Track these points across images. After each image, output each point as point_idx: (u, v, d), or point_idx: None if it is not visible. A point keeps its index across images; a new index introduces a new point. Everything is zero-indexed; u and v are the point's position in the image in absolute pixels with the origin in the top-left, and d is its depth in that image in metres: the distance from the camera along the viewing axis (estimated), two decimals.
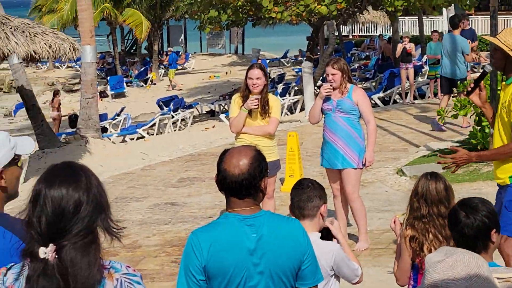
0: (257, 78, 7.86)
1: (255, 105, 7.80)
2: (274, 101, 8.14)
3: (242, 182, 3.39)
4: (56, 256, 2.52)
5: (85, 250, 2.53)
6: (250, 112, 7.93)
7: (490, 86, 10.62)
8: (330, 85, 7.91)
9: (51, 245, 2.51)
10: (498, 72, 9.09)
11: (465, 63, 14.96)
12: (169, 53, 39.30)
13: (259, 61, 37.33)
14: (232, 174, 3.40)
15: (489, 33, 11.86)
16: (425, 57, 24.37)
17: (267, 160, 8.13)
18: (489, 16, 11.56)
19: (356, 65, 32.89)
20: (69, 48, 14.11)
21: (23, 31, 13.35)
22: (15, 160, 3.24)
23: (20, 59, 16.37)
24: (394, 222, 4.88)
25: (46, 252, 2.51)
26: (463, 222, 3.72)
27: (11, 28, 13.26)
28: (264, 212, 3.47)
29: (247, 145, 3.64)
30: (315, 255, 3.54)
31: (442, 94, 15.39)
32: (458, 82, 14.49)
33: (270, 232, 3.41)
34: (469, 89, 5.79)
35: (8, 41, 12.96)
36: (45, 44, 13.45)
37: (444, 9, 28.53)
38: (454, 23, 15.36)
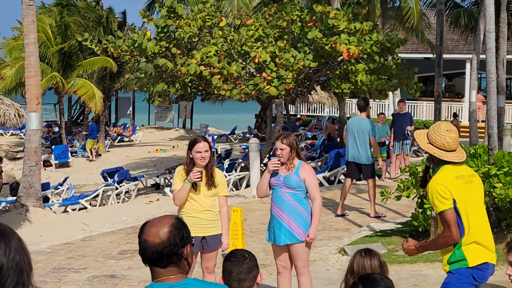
0: (205, 151, 7.91)
1: (198, 178, 7.82)
2: (221, 176, 8.17)
3: (163, 251, 3.38)
4: None
5: None
6: (194, 185, 7.94)
7: None
8: (278, 160, 7.98)
9: None
10: None
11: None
12: (89, 123, 39.54)
13: (207, 136, 37.45)
14: (152, 243, 3.39)
15: (433, 118, 12.14)
16: None
17: (210, 233, 8.19)
18: (433, 102, 11.85)
19: (303, 145, 33.20)
20: (14, 115, 14.01)
21: None
22: None
23: None
24: None
25: None
26: None
27: None
28: (191, 280, 3.46)
29: (167, 215, 3.64)
30: None
31: (349, 178, 15.13)
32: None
33: None
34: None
35: None
36: None
37: (390, 93, 29.11)
38: (361, 106, 15.11)
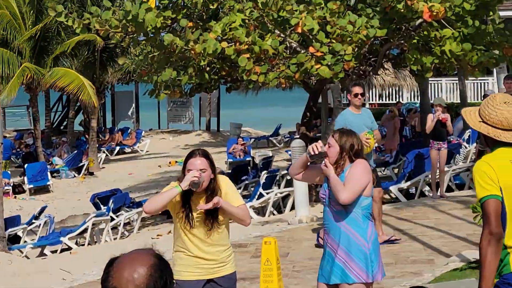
0: (201, 170, 7.78)
1: (195, 178, 7.64)
2: (226, 184, 8.05)
3: None
4: None
5: None
6: (190, 197, 7.84)
7: None
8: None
9: None
10: None
11: None
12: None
13: (240, 140, 37.58)
14: None
15: None
16: (466, 133, 24.61)
17: (220, 274, 8.24)
18: None
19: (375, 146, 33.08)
20: None
21: None
22: None
23: None
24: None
25: None
26: None
27: None
28: None
29: (141, 249, 3.57)
30: None
31: None
32: None
33: None
34: None
35: None
36: None
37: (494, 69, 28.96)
38: None
